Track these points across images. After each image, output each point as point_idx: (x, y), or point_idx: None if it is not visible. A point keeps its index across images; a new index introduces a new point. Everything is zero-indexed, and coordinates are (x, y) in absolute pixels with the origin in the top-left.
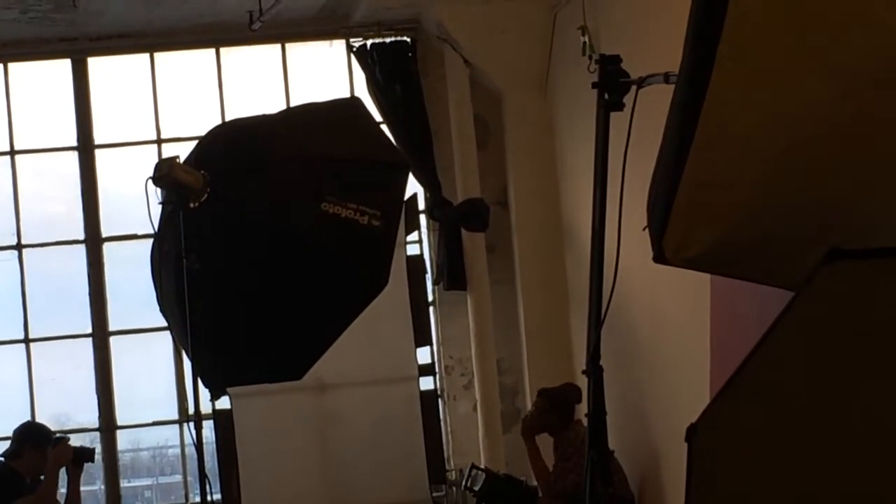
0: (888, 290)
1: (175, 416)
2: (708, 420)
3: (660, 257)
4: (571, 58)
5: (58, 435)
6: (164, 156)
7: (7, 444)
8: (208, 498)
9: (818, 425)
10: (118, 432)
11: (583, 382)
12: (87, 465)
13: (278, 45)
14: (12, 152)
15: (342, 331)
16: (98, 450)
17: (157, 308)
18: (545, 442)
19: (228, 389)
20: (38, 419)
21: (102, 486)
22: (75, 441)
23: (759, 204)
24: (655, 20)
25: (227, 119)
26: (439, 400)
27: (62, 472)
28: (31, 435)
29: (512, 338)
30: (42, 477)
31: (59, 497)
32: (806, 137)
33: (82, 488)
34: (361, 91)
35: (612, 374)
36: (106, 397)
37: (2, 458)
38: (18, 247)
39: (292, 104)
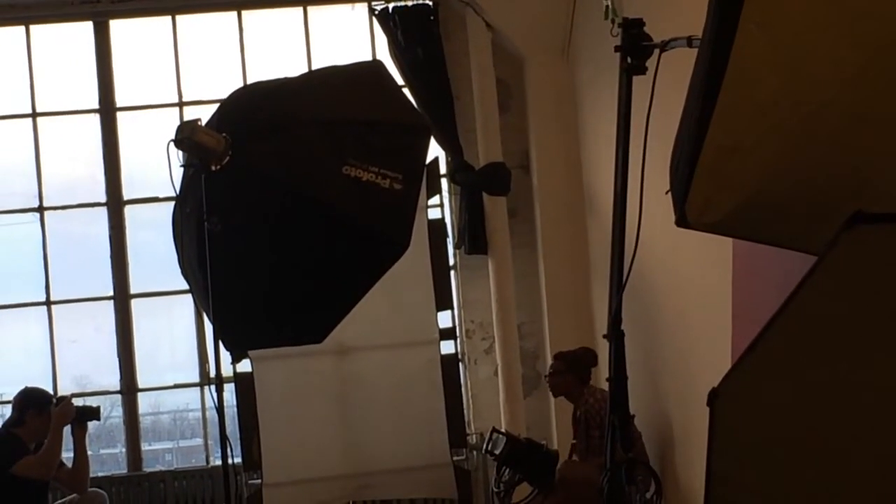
0: None
1: (196, 380)
2: (730, 385)
3: (682, 221)
4: (594, 21)
5: (59, 395)
6: (186, 118)
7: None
8: (229, 461)
9: (841, 390)
10: (139, 395)
11: (604, 347)
12: (104, 428)
13: (300, 8)
14: (34, 115)
15: (363, 294)
16: (115, 413)
17: (179, 271)
18: (566, 408)
19: (249, 352)
20: (60, 381)
21: (124, 450)
22: (91, 407)
23: (783, 168)
24: None
25: (249, 82)
26: (460, 364)
27: (67, 433)
28: (32, 400)
29: (533, 302)
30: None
31: (65, 461)
32: (830, 102)
33: (103, 451)
34: (383, 54)
35: (634, 338)
36: (127, 360)
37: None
38: (40, 209)
39: (314, 67)
